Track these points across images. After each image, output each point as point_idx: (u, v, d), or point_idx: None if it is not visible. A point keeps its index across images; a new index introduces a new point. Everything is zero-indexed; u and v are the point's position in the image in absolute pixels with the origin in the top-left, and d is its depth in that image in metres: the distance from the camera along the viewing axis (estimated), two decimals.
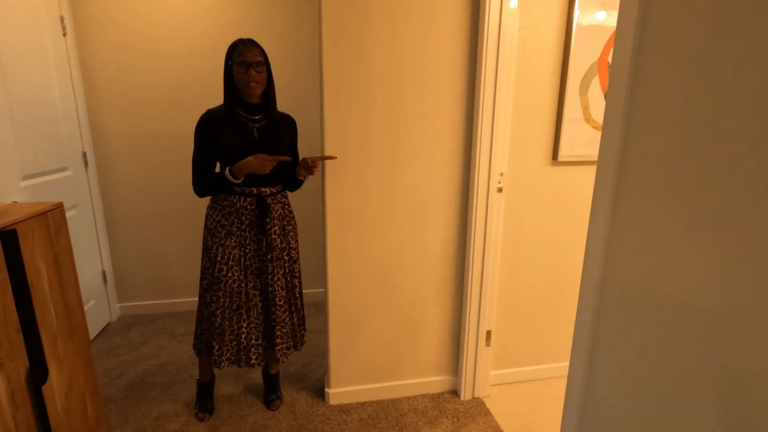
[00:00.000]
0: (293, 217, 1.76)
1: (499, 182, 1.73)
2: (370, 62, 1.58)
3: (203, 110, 2.51)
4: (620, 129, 0.84)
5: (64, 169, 2.22)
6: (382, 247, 1.78)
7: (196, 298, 2.75)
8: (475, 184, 1.71)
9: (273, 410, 1.84)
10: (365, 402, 1.91)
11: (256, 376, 2.08)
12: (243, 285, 1.66)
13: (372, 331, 1.86)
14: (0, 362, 1.15)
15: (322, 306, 2.85)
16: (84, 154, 2.39)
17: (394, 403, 1.91)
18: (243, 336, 1.68)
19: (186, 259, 2.70)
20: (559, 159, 1.81)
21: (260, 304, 1.70)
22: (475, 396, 1.95)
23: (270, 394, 1.89)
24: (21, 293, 1.23)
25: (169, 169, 2.56)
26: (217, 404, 1.87)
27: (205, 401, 1.82)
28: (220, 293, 1.63)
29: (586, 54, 1.74)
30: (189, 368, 2.14)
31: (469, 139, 1.73)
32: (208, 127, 1.60)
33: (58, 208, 1.44)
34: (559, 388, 2.00)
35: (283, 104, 2.56)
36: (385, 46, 1.58)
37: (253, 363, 1.70)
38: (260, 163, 1.55)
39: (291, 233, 1.74)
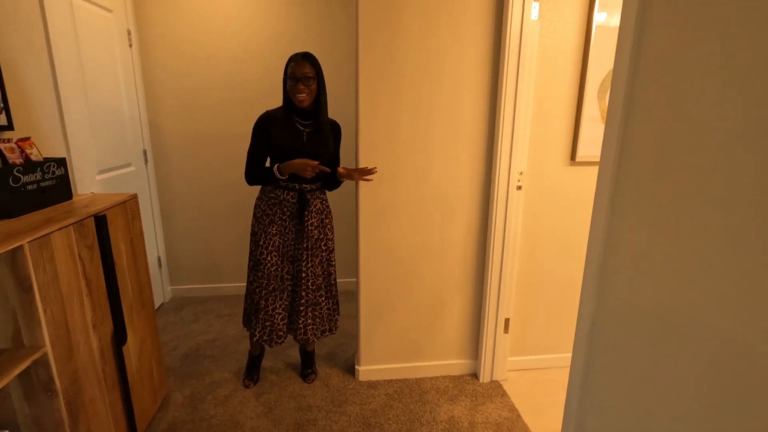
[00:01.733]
0: (330, 211, 1.96)
1: (519, 180, 1.87)
2: (401, 69, 1.76)
3: (250, 111, 2.76)
4: (618, 133, 0.97)
5: (129, 165, 2.51)
6: (409, 238, 1.95)
7: (240, 284, 3.02)
8: (495, 181, 1.86)
9: (309, 383, 2.06)
10: (391, 380, 2.10)
11: (294, 353, 2.30)
12: (279, 269, 1.88)
13: (398, 316, 2.04)
14: (94, 324, 1.40)
15: (352, 294, 3.06)
16: (144, 152, 2.68)
17: (418, 381, 2.09)
18: (276, 317, 1.89)
19: (231, 248, 2.96)
20: (577, 159, 1.92)
21: (290, 288, 1.91)
22: (494, 379, 2.10)
23: (306, 368, 2.10)
24: (108, 268, 1.48)
25: (218, 165, 2.82)
26: (260, 375, 2.10)
27: (252, 371, 2.06)
28: (260, 274, 1.86)
29: (605, 61, 1.85)
30: (234, 344, 2.39)
31: (491, 140, 1.87)
32: (265, 126, 1.81)
33: (134, 199, 1.69)
34: None
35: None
36: (415, 55, 1.75)
37: (279, 342, 1.91)
38: (303, 167, 1.75)
39: (328, 226, 1.94)
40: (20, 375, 1.17)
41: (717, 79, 0.69)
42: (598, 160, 1.94)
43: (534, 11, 1.73)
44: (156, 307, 2.82)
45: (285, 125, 1.79)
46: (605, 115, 1.94)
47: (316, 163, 1.77)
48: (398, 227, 1.93)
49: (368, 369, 2.09)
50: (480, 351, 2.09)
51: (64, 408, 1.22)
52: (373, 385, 2.06)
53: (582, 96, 1.87)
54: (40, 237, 1.14)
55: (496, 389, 2.03)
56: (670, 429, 0.83)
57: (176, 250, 2.94)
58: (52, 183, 1.46)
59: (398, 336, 2.07)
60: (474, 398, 1.97)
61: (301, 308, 1.90)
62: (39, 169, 1.40)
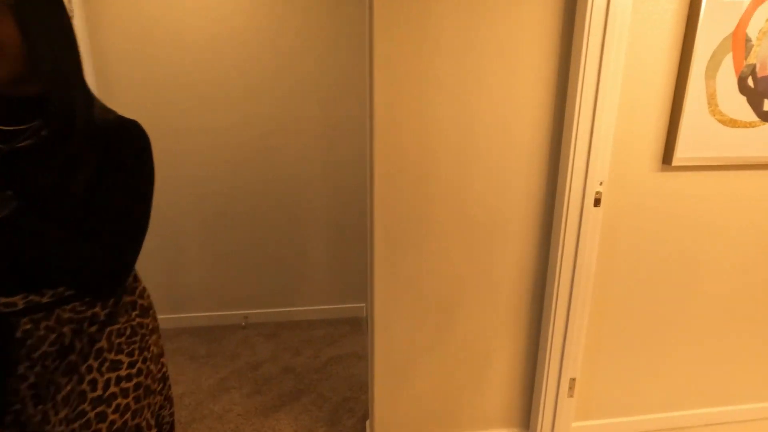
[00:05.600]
0: (137, 342, 0.86)
1: (597, 193, 1.34)
2: (435, 40, 1.21)
3: (236, 102, 2.21)
4: None
5: None
6: (443, 273, 1.42)
7: (219, 312, 2.49)
8: (565, 196, 1.33)
9: None
10: None
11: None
12: None
13: (426, 376, 1.51)
14: None
15: (357, 323, 2.53)
16: None
17: None
18: None
19: (206, 267, 2.42)
20: (674, 163, 1.40)
21: None
22: None
23: None
24: None
25: (187, 171, 2.27)
26: None
27: None
28: None
29: (718, 26, 1.32)
30: (209, 402, 1.86)
31: (557, 140, 1.34)
32: None
33: None
34: None
35: (311, 98, 2.24)
36: (455, 20, 1.21)
37: None
38: None
39: (114, 387, 0.81)
40: None
41: None
42: (705, 164, 1.42)
43: None
44: None
45: None
46: (714, 100, 1.42)
47: None
48: (428, 255, 1.40)
49: None
50: (534, 421, 1.57)
51: None
52: None
53: (686, 79, 1.33)
54: None
55: None
56: None
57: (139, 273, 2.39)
58: None
59: (425, 403, 1.54)
60: None
61: None
62: None
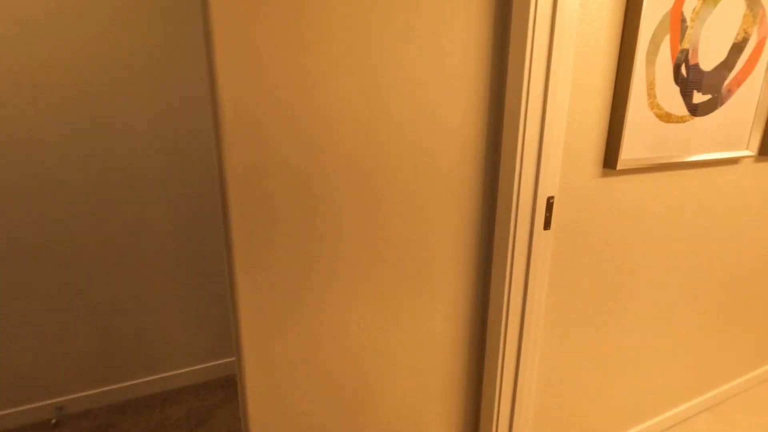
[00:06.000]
0: None
1: (548, 211, 1.02)
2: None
3: (22, 93, 1.42)
4: None
5: None
6: (349, 342, 0.96)
7: (13, 409, 1.65)
8: (512, 215, 0.97)
9: None
10: None
11: None
12: None
13: None
14: None
15: (234, 384, 1.92)
16: None
17: None
18: None
19: (19, 340, 1.56)
20: (619, 167, 1.15)
21: None
22: None
23: None
24: None
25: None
26: None
27: None
28: None
29: (657, 2, 1.10)
30: None
31: (492, 141, 0.98)
32: None
33: None
34: None
35: (139, 90, 1.54)
36: None
37: None
38: None
39: None
40: None
41: None
42: (652, 164, 1.20)
43: None
44: None
45: None
46: (652, 90, 1.20)
47: None
48: (324, 323, 0.92)
49: None
50: None
51: None
52: None
53: (630, 67, 1.09)
54: None
55: None
56: None
57: None
58: None
59: None
60: None
61: None
62: None
